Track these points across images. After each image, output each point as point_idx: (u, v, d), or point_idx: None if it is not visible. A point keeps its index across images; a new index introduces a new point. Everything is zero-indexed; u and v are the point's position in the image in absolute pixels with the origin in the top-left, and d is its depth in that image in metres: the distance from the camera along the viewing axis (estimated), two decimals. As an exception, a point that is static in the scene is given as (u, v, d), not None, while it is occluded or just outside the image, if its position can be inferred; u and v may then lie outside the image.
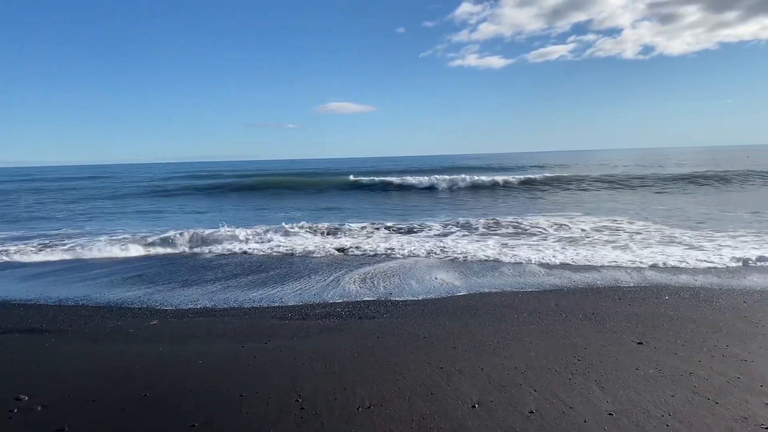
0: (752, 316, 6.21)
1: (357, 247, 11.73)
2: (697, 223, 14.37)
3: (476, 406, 4.00)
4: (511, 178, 31.03)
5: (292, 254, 11.39)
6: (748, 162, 43.64)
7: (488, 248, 11.34)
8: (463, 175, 31.33)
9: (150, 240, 13.00)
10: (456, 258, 10.50)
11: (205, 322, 6.62)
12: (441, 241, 12.44)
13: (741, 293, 7.30)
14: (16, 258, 11.55)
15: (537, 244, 11.77)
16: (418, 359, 5.01)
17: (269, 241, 12.72)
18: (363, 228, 14.34)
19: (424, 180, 31.16)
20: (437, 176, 31.70)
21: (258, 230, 13.70)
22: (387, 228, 14.28)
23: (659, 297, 7.22)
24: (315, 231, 13.93)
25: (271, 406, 4.09)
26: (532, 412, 3.88)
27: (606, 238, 12.41)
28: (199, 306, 7.47)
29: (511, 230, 13.78)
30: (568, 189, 27.18)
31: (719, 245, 10.89)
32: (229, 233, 13.22)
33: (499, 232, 13.64)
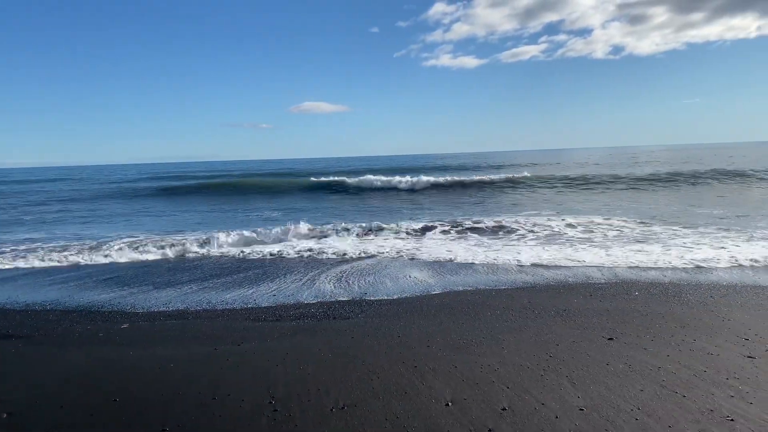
0: (718, 310, 6.35)
1: (321, 251, 11.65)
2: (670, 220, 14.63)
3: (450, 404, 4.02)
4: (484, 177, 31.19)
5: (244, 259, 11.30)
6: (717, 160, 44.51)
7: (461, 248, 11.41)
8: (431, 177, 30.80)
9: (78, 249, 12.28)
10: (428, 258, 10.52)
11: (177, 325, 6.53)
12: (411, 242, 12.49)
13: (708, 288, 7.46)
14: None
15: (511, 244, 11.89)
16: (393, 359, 5.01)
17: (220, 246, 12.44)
18: (332, 228, 14.28)
19: (395, 180, 30.67)
20: (410, 177, 31.12)
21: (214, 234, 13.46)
22: (362, 228, 14.23)
23: (629, 293, 7.34)
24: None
25: (243, 408, 4.06)
26: (504, 408, 3.92)
27: (579, 235, 12.58)
28: (171, 308, 7.36)
29: (483, 228, 13.86)
30: (539, 188, 27.45)
31: (688, 242, 11.12)
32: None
33: (470, 229, 13.71)
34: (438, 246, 11.75)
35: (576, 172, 34.51)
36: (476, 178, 30.96)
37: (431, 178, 30.24)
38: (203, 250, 11.89)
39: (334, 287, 8.31)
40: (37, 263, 10.94)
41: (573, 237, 12.37)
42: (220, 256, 11.46)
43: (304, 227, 14.00)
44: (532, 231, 13.23)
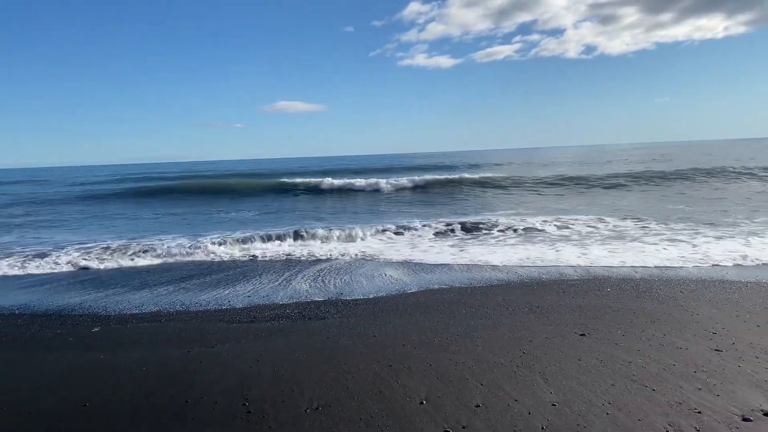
0: (687, 305, 6.48)
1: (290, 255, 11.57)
2: (643, 217, 14.87)
3: (424, 402, 4.03)
4: (462, 175, 31.18)
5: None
6: (689, 159, 45.30)
7: (438, 248, 11.47)
8: (406, 178, 29.93)
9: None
10: (403, 258, 10.56)
11: (149, 328, 6.44)
12: (388, 243, 12.52)
13: (678, 283, 7.60)
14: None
15: (488, 243, 11.97)
16: (368, 358, 5.01)
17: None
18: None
19: (361, 181, 29.89)
20: (384, 179, 30.41)
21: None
22: (342, 230, 14.18)
23: (602, 289, 7.44)
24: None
25: (216, 411, 4.02)
26: (478, 405, 3.94)
27: (555, 233, 12.72)
28: (144, 311, 7.25)
29: (460, 228, 13.90)
30: (516, 187, 27.65)
31: (660, 239, 11.34)
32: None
33: (448, 231, 13.76)
34: (414, 246, 11.78)
35: (552, 172, 34.88)
36: (454, 176, 30.91)
37: (405, 179, 29.68)
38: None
39: (310, 287, 8.27)
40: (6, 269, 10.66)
41: (549, 235, 12.50)
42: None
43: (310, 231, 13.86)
44: (508, 229, 13.31)
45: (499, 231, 13.18)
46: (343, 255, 10.87)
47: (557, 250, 10.46)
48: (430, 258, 10.31)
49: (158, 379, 4.72)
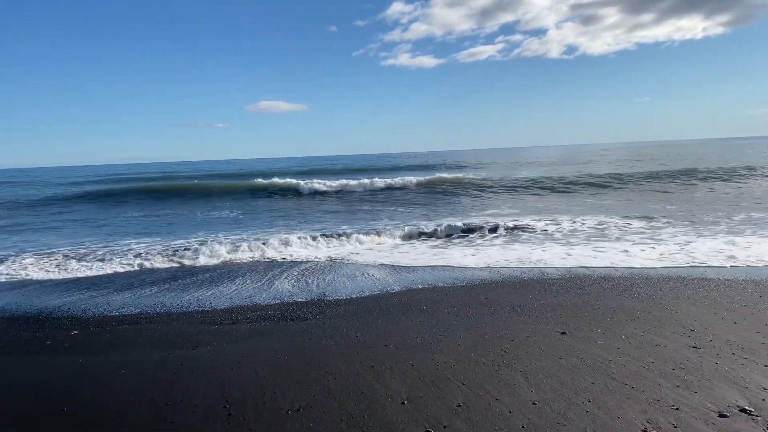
0: (667, 303, 6.56)
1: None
2: (628, 216, 15.02)
3: (405, 402, 4.04)
4: (443, 176, 31.04)
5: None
6: (671, 158, 45.74)
7: (421, 249, 11.49)
8: (387, 179, 29.02)
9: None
10: (386, 260, 10.56)
11: (129, 330, 6.37)
12: (370, 246, 12.52)
13: (657, 281, 7.69)
14: None
15: (473, 244, 12.03)
16: (350, 359, 5.01)
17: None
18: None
19: (352, 183, 28.71)
20: (366, 179, 29.58)
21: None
22: (324, 236, 14.12)
23: (583, 288, 7.50)
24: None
25: (197, 413, 3.99)
26: (459, 405, 3.96)
27: (539, 233, 12.80)
28: (124, 313, 7.17)
29: (442, 230, 13.94)
30: (498, 188, 27.75)
31: (642, 237, 11.47)
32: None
33: (428, 234, 13.78)
34: (397, 248, 11.79)
35: (536, 172, 35.07)
36: (436, 176, 30.80)
37: (387, 180, 29.06)
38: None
39: (292, 288, 8.24)
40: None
41: (533, 235, 12.57)
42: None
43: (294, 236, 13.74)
44: (492, 231, 13.36)
45: (486, 231, 13.21)
46: (326, 258, 10.84)
47: (543, 250, 10.53)
48: (415, 257, 10.32)
49: (138, 381, 4.67)
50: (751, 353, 4.78)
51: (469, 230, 13.37)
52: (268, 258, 10.81)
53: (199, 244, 11.97)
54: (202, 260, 10.68)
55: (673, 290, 7.18)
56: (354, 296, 7.63)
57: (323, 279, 8.77)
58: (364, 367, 4.79)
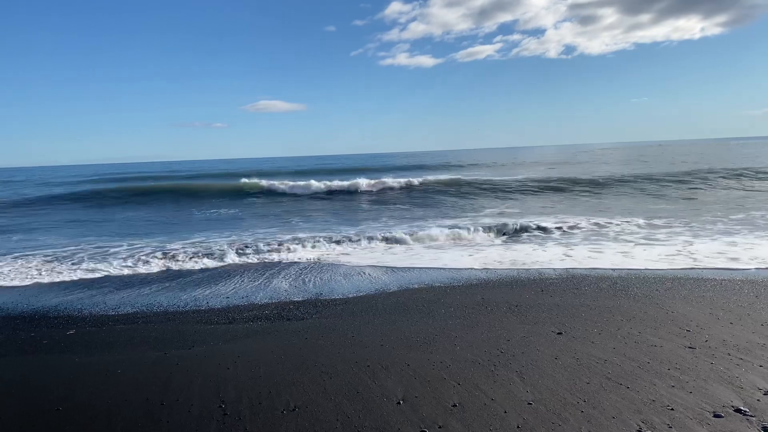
0: (663, 303, 6.57)
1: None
2: (625, 217, 15.04)
3: (401, 402, 4.04)
4: (440, 177, 30.80)
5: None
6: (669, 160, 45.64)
7: (419, 251, 11.49)
8: (388, 179, 28.17)
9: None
10: (385, 263, 10.56)
11: (125, 330, 6.36)
12: (366, 246, 12.52)
13: (654, 281, 7.70)
14: None
15: (467, 247, 12.02)
16: (346, 359, 5.01)
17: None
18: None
19: (341, 183, 27.72)
20: (362, 179, 28.34)
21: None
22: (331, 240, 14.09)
23: (579, 288, 7.51)
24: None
25: (192, 413, 3.99)
26: (455, 405, 3.96)
27: (537, 234, 12.81)
28: (120, 313, 7.16)
29: (446, 232, 13.95)
30: (495, 189, 27.71)
31: (639, 238, 11.48)
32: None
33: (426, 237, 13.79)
34: (391, 249, 11.79)
35: (533, 172, 35.07)
36: (431, 178, 30.47)
37: (388, 180, 28.46)
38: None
39: (289, 288, 8.23)
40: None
41: (532, 236, 12.58)
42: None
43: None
44: (488, 231, 13.37)
45: (481, 231, 13.21)
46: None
47: (544, 250, 10.55)
48: (412, 258, 10.33)
49: (134, 381, 4.66)
50: (747, 353, 4.79)
51: (464, 233, 13.35)
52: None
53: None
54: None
55: (669, 290, 7.19)
56: (350, 296, 7.63)
57: (319, 279, 8.77)
58: (360, 366, 4.79)
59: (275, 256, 10.74)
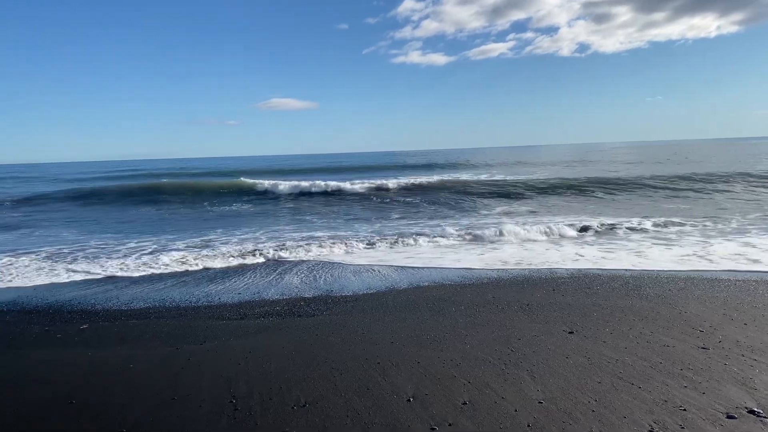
0: (676, 303, 6.51)
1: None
2: (640, 218, 14.92)
3: (411, 399, 4.04)
4: (456, 176, 30.82)
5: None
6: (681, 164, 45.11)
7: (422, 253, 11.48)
8: (400, 179, 27.91)
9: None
10: (391, 262, 10.56)
11: (137, 325, 6.40)
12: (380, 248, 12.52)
13: (666, 282, 7.64)
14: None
15: (483, 248, 11.99)
16: (356, 355, 5.02)
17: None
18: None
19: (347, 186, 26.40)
20: (373, 181, 27.87)
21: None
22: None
23: (591, 287, 7.47)
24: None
25: (203, 408, 4.02)
26: (465, 403, 3.95)
27: (543, 237, 12.75)
28: (133, 308, 7.22)
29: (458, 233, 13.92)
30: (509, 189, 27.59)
31: (654, 239, 11.40)
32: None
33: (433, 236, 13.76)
34: (400, 252, 11.80)
35: (545, 171, 34.88)
36: (446, 177, 30.36)
37: (398, 180, 28.22)
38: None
39: (300, 285, 8.26)
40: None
41: (545, 236, 12.51)
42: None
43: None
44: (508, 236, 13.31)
45: (506, 236, 13.16)
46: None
47: (557, 249, 10.50)
48: (420, 260, 10.32)
49: (146, 376, 4.70)
50: (761, 354, 4.74)
51: (479, 232, 13.31)
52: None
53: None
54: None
55: (682, 290, 7.13)
56: (361, 293, 7.63)
57: (329, 276, 8.79)
58: (371, 363, 4.80)
59: (286, 254, 10.75)
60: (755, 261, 8.80)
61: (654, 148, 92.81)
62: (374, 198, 23.25)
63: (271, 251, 10.90)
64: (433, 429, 3.59)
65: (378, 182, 26.99)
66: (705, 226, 12.69)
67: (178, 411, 3.98)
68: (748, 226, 12.39)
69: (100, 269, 9.73)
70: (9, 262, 10.46)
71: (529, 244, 11.19)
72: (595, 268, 8.80)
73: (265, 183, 27.18)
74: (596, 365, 4.61)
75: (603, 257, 9.61)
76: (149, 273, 9.39)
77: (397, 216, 17.28)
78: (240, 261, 10.22)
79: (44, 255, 11.21)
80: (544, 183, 25.23)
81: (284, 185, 26.34)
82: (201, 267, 9.78)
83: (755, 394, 3.96)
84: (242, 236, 13.28)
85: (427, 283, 8.07)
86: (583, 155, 63.68)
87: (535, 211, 17.20)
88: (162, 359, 5.12)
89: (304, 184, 26.41)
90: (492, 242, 11.56)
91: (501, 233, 12.18)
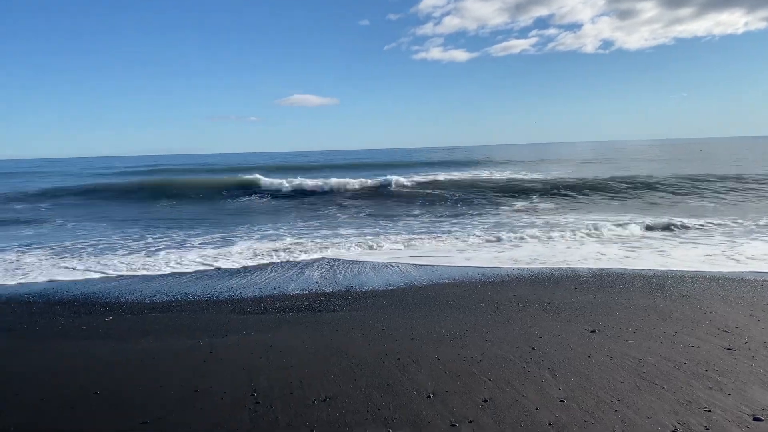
0: (700, 303, 6.41)
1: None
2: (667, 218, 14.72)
3: (431, 396, 4.03)
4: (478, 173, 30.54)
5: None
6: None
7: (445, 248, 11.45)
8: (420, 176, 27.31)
9: None
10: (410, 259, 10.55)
11: (160, 318, 6.49)
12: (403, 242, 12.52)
13: (691, 281, 7.52)
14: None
15: (503, 246, 11.93)
16: (376, 351, 5.02)
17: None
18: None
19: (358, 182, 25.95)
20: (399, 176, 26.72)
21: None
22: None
23: (613, 286, 7.38)
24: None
25: (225, 401, 4.05)
26: (485, 400, 3.93)
27: (569, 235, 12.64)
28: (156, 301, 7.31)
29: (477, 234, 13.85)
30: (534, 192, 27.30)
31: (678, 239, 11.24)
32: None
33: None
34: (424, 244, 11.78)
35: (568, 170, 34.51)
36: (467, 174, 30.02)
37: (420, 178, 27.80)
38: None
39: (320, 280, 8.29)
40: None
41: (567, 233, 12.41)
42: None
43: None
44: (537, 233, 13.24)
45: (536, 236, 13.08)
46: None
47: (578, 248, 10.40)
48: (439, 256, 10.30)
49: (168, 368, 4.76)
50: (789, 356, 4.64)
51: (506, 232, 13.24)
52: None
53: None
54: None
55: (707, 290, 7.02)
56: (380, 289, 7.64)
57: (349, 272, 8.81)
58: (390, 359, 4.80)
59: (305, 250, 10.80)
60: (783, 261, 8.63)
61: (681, 145, 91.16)
62: (395, 195, 23.17)
63: (291, 247, 10.97)
64: (454, 426, 3.58)
65: (401, 179, 26.79)
66: (732, 225, 12.45)
67: (201, 403, 4.03)
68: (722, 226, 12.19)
69: (123, 265, 9.87)
70: (30, 256, 10.68)
71: (549, 243, 11.09)
72: (617, 267, 8.69)
73: (284, 182, 26.98)
74: (619, 364, 4.56)
75: (626, 256, 9.50)
76: (171, 270, 9.49)
77: (418, 212, 17.27)
78: (261, 256, 10.28)
79: (67, 248, 11.43)
80: (568, 181, 24.91)
81: (305, 182, 26.21)
82: (222, 261, 9.87)
83: (783, 397, 3.88)
84: (266, 232, 13.42)
85: (446, 281, 8.05)
86: (610, 153, 62.91)
87: (555, 209, 17.05)
88: (184, 352, 5.18)
89: (329, 180, 26.24)
90: (511, 241, 11.47)
91: (523, 233, 12.09)
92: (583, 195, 20.89)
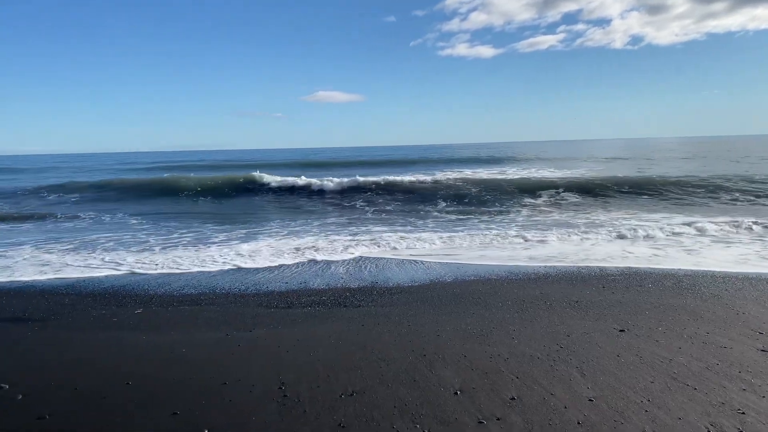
0: (732, 303, 6.28)
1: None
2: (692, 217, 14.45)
3: (458, 392, 4.03)
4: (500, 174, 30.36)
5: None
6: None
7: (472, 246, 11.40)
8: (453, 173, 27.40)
9: None
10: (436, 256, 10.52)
11: (189, 311, 6.59)
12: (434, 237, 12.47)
13: (722, 281, 7.37)
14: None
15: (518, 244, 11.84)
16: (402, 347, 5.03)
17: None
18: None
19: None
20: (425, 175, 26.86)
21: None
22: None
23: (642, 285, 7.28)
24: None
25: (253, 393, 4.10)
26: (513, 398, 3.91)
27: (594, 231, 12.49)
28: (185, 294, 7.42)
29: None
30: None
31: (706, 238, 11.03)
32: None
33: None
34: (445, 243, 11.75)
35: (603, 169, 34.05)
36: (494, 172, 29.96)
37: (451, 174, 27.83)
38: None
39: (345, 276, 8.33)
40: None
41: (602, 234, 12.27)
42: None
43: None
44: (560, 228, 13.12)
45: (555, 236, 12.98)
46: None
47: (600, 246, 10.27)
48: (464, 252, 10.25)
49: (197, 360, 4.83)
50: (826, 359, 4.53)
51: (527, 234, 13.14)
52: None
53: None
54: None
55: (739, 290, 6.87)
56: (405, 285, 7.64)
57: (374, 268, 8.84)
58: (417, 355, 4.80)
59: (330, 245, 10.85)
60: (819, 262, 8.41)
61: (717, 143, 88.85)
62: (422, 192, 23.08)
63: (317, 243, 11.04)
64: (482, 423, 3.57)
65: (425, 177, 26.66)
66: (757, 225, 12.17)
67: (229, 395, 4.08)
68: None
69: (148, 261, 10.03)
70: (61, 249, 10.93)
71: (575, 241, 10.97)
72: (646, 266, 8.56)
73: (313, 180, 26.84)
74: (649, 364, 4.49)
75: (654, 254, 9.35)
76: (199, 265, 9.62)
77: (444, 210, 17.24)
78: (287, 252, 10.36)
79: (99, 243, 11.67)
80: (599, 180, 24.55)
81: (331, 180, 26.21)
82: (248, 257, 9.97)
83: (820, 400, 3.79)
84: (293, 228, 13.53)
85: (472, 278, 8.02)
86: (637, 150, 61.87)
87: (581, 207, 16.85)
88: (213, 344, 5.25)
89: (357, 179, 26.14)
90: (537, 239, 11.36)
91: (548, 231, 11.98)
92: (611, 193, 20.57)
